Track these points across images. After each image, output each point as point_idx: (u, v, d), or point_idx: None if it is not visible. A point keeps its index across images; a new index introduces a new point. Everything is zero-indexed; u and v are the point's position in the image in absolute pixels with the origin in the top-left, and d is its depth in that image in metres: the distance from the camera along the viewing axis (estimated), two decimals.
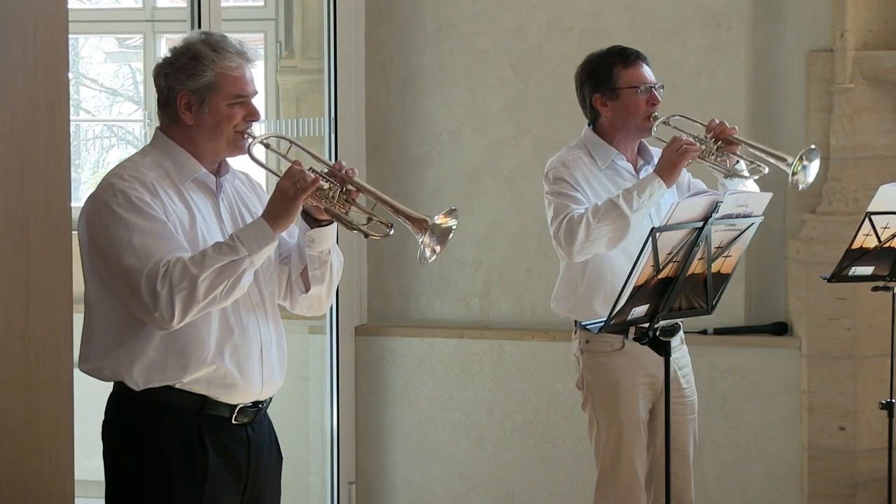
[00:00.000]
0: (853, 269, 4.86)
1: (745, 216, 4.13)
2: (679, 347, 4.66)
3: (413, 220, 3.33)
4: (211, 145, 3.45)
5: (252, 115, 3.45)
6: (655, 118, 4.61)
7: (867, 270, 4.88)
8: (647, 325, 4.10)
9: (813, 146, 4.59)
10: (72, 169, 4.14)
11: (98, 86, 7.43)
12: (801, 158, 4.51)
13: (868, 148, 5.87)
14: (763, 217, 4.21)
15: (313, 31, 6.30)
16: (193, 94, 3.41)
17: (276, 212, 3.35)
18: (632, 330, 4.20)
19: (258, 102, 3.48)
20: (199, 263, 3.26)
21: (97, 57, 7.40)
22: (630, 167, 4.69)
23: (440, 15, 6.19)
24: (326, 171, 3.39)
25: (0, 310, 3.76)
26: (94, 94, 7.49)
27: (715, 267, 4.15)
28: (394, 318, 6.32)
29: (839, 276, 4.88)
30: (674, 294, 4.07)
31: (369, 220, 3.38)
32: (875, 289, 5.01)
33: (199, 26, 5.09)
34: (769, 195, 4.28)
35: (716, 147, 4.55)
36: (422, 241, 3.32)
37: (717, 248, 4.11)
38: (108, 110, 7.57)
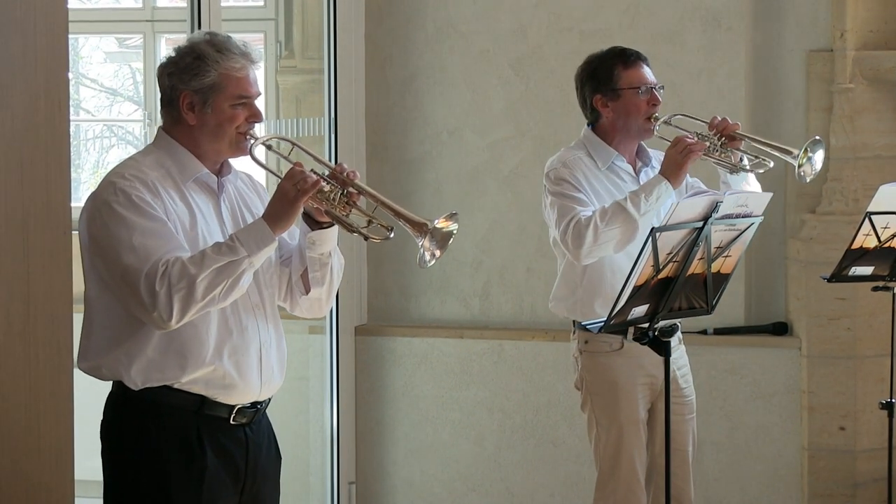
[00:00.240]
0: (853, 269, 4.86)
1: (744, 216, 4.13)
2: (677, 347, 4.66)
3: (413, 223, 3.33)
4: (213, 146, 3.45)
5: (255, 117, 3.45)
6: (656, 118, 4.61)
7: (867, 270, 4.88)
8: (646, 325, 4.10)
9: (817, 137, 4.59)
10: (72, 169, 4.14)
11: (98, 86, 7.43)
12: (806, 150, 4.51)
13: (868, 148, 5.87)
14: (763, 217, 4.21)
15: (313, 31, 6.31)
16: (196, 95, 3.41)
17: (277, 213, 3.35)
18: (631, 330, 4.20)
19: (259, 103, 3.48)
20: (198, 263, 3.27)
21: (97, 57, 7.40)
22: (630, 168, 4.69)
23: (440, 15, 6.19)
24: (327, 173, 3.39)
25: (0, 310, 3.76)
26: (94, 94, 7.49)
27: (715, 267, 4.15)
28: (394, 318, 6.32)
29: (839, 276, 4.88)
30: (674, 294, 4.07)
31: (370, 222, 3.38)
32: (875, 289, 5.01)
33: (199, 26, 5.10)
34: (769, 195, 4.28)
35: (720, 144, 4.55)
36: (422, 245, 3.32)
37: (717, 247, 4.11)
38: (108, 110, 7.57)
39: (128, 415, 3.43)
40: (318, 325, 6.15)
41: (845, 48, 5.80)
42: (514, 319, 6.20)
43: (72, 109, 4.40)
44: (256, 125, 3.47)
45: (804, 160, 4.51)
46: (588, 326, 4.42)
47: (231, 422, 3.47)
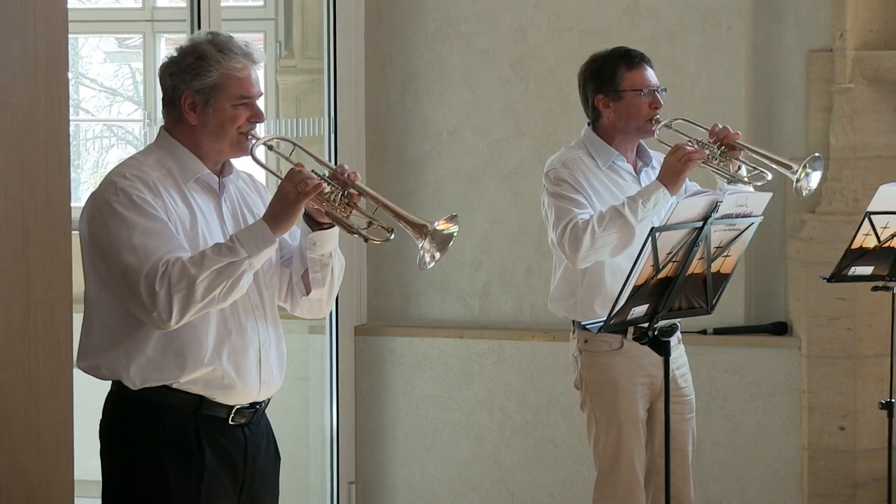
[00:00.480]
0: (853, 268, 4.86)
1: (744, 216, 4.13)
2: (676, 347, 4.66)
3: (414, 225, 3.33)
4: (214, 146, 3.45)
5: (256, 117, 3.45)
6: (658, 121, 4.61)
7: (867, 270, 4.88)
8: (646, 324, 4.10)
9: (817, 154, 4.58)
10: (71, 169, 4.14)
11: (98, 86, 7.43)
12: (805, 166, 4.50)
13: (868, 148, 5.87)
14: (763, 217, 4.21)
15: (313, 31, 6.31)
16: (198, 94, 3.41)
17: (277, 214, 3.35)
18: (630, 329, 4.20)
19: (259, 103, 3.48)
20: (197, 264, 3.26)
21: (97, 57, 7.40)
22: (630, 168, 4.69)
23: (440, 15, 6.19)
24: (328, 174, 3.38)
25: (0, 310, 3.76)
26: (94, 94, 7.49)
27: (714, 267, 4.14)
28: (393, 318, 6.32)
29: (839, 275, 4.88)
30: (673, 294, 4.07)
31: (370, 224, 3.38)
32: (875, 289, 5.01)
33: (199, 26, 5.10)
34: (769, 195, 4.28)
35: (719, 152, 4.54)
36: (422, 247, 3.32)
37: (717, 247, 4.11)
38: (107, 110, 7.57)
39: (127, 414, 3.42)
40: (318, 324, 6.15)
41: (845, 48, 5.80)
42: (513, 319, 6.20)
43: (71, 109, 4.40)
44: (258, 125, 3.47)
45: (802, 175, 4.51)
46: (588, 326, 4.42)
47: (230, 422, 3.47)
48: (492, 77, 6.17)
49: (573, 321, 4.70)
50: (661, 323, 4.12)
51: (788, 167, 4.52)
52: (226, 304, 3.36)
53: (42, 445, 3.88)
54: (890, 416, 5.07)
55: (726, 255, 4.16)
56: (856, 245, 4.81)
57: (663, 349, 4.11)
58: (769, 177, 4.57)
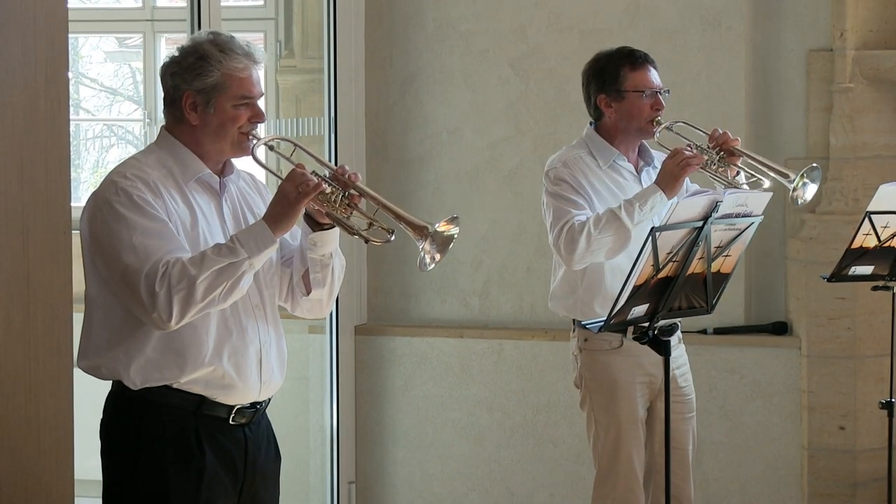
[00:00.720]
0: (853, 268, 4.86)
1: (744, 216, 4.13)
2: (677, 346, 4.66)
3: (414, 226, 3.33)
4: (215, 146, 3.45)
5: (257, 117, 3.45)
6: (659, 123, 4.61)
7: (867, 270, 4.88)
8: (646, 324, 4.10)
9: (815, 164, 4.57)
10: (71, 168, 4.14)
11: (98, 85, 7.43)
12: (802, 175, 4.50)
13: (868, 148, 5.87)
14: (763, 217, 4.21)
15: (313, 31, 6.31)
16: (199, 95, 3.41)
17: (278, 215, 3.35)
18: (630, 329, 4.20)
19: (260, 103, 3.48)
20: (198, 264, 3.26)
21: (97, 56, 7.40)
22: (631, 167, 4.69)
23: (440, 15, 6.19)
24: (329, 174, 3.38)
25: (0, 310, 3.76)
26: (94, 94, 7.49)
27: (715, 266, 4.14)
28: (393, 318, 6.32)
29: (839, 275, 4.88)
30: (673, 294, 4.07)
31: (370, 225, 3.38)
32: (875, 288, 5.01)
33: (199, 26, 5.10)
34: (769, 195, 4.28)
35: (718, 157, 4.54)
36: (422, 248, 3.33)
37: (717, 247, 4.11)
38: (107, 110, 7.57)
39: (127, 414, 3.42)
40: (318, 324, 6.15)
41: (845, 48, 5.80)
42: (513, 319, 6.20)
43: (72, 109, 4.39)
44: (259, 125, 3.47)
45: (799, 185, 4.51)
46: (588, 326, 4.42)
47: (230, 422, 3.47)
48: (492, 77, 6.17)
49: (573, 320, 4.70)
50: (662, 322, 4.12)
51: (786, 176, 4.52)
52: (226, 305, 3.35)
53: (42, 445, 3.88)
54: (890, 415, 5.08)
55: (726, 255, 4.16)
56: (856, 245, 4.81)
57: (663, 349, 4.11)
58: (767, 184, 4.57)
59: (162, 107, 3.51)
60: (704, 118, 5.63)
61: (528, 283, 6.15)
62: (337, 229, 3.47)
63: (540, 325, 6.11)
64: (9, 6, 3.78)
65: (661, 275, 4.01)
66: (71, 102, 4.29)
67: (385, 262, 6.28)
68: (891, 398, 5.08)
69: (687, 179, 4.72)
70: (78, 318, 3.51)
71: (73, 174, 5.00)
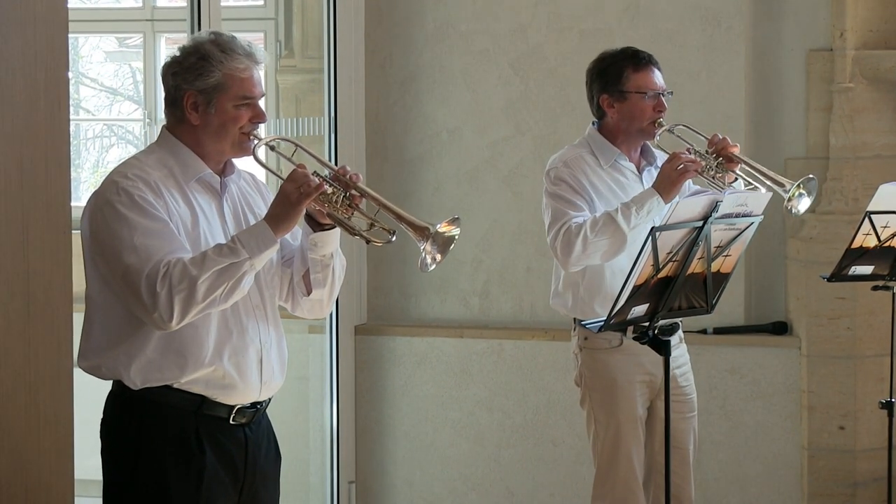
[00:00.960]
0: (853, 268, 4.86)
1: (744, 215, 4.13)
2: (678, 346, 4.66)
3: (415, 227, 3.34)
4: (216, 146, 3.45)
5: (258, 117, 3.45)
6: (661, 125, 4.61)
7: (867, 270, 4.88)
8: (646, 324, 4.10)
9: (811, 176, 4.57)
10: (71, 168, 4.14)
11: (98, 85, 7.43)
12: (798, 186, 4.50)
13: (868, 147, 5.87)
14: (763, 216, 4.21)
15: (313, 31, 6.31)
16: (200, 95, 3.41)
17: (279, 215, 3.35)
18: (631, 328, 4.20)
19: (260, 103, 3.48)
20: (199, 265, 3.26)
21: (97, 56, 7.41)
22: (633, 167, 4.69)
23: (440, 14, 6.19)
24: (330, 175, 3.39)
25: (0, 309, 3.76)
26: (94, 94, 7.49)
27: (715, 266, 4.14)
28: (393, 318, 6.32)
29: (839, 275, 4.88)
30: (673, 293, 4.07)
31: (371, 225, 3.38)
32: (875, 288, 5.00)
33: (199, 26, 5.10)
34: (769, 195, 4.28)
35: (716, 163, 4.54)
36: (423, 249, 3.33)
37: (717, 247, 4.11)
38: (107, 110, 7.57)
39: (127, 414, 3.42)
40: (318, 324, 6.15)
41: (845, 47, 5.80)
42: (513, 319, 6.20)
43: (72, 109, 4.40)
44: (260, 126, 3.47)
45: (795, 195, 4.51)
46: (588, 326, 4.42)
47: (230, 422, 3.47)
48: (492, 77, 6.17)
49: (574, 318, 4.70)
50: (662, 322, 4.12)
51: (781, 185, 4.52)
52: (227, 305, 3.35)
53: (42, 445, 3.88)
54: (890, 415, 5.07)
55: (726, 255, 4.16)
56: (856, 244, 4.81)
57: (663, 348, 4.11)
58: (763, 192, 4.56)
59: (163, 107, 3.51)
60: (704, 118, 5.64)
61: (528, 283, 6.15)
62: (337, 230, 3.47)
63: (540, 325, 6.11)
64: (9, 6, 3.78)
65: (661, 275, 4.01)
66: (71, 102, 4.30)
67: (385, 262, 6.28)
68: (891, 398, 5.08)
69: (690, 182, 4.72)
70: (78, 318, 3.51)
71: (73, 174, 5.00)
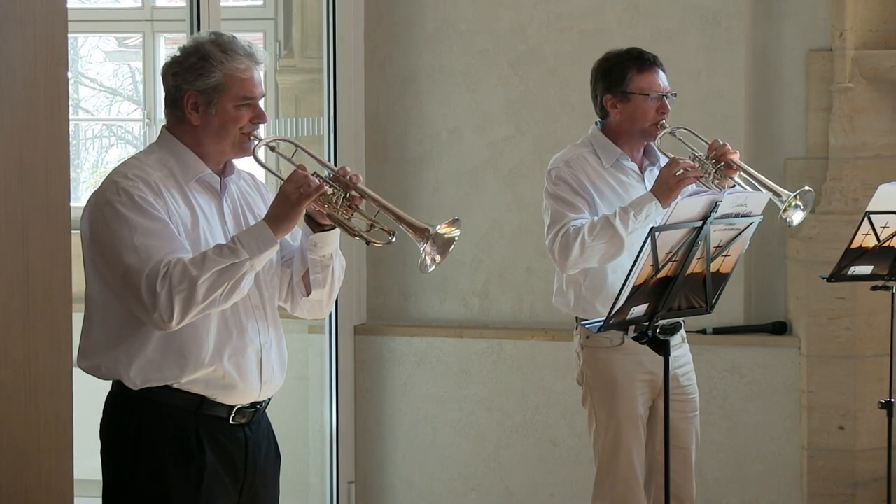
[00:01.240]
0: (852, 268, 4.86)
1: (744, 216, 4.13)
2: (680, 346, 4.67)
3: (415, 228, 3.34)
4: (217, 146, 3.45)
5: (259, 118, 3.45)
6: (663, 126, 4.61)
7: (866, 270, 4.88)
8: (646, 324, 4.10)
9: (808, 188, 4.56)
10: (71, 168, 4.14)
11: (97, 85, 7.43)
12: (795, 197, 4.50)
13: (868, 147, 5.87)
14: (762, 216, 4.21)
15: (312, 31, 6.30)
16: (201, 95, 3.41)
17: (279, 216, 3.35)
18: (632, 328, 4.20)
19: (260, 103, 3.48)
20: (199, 265, 3.26)
21: (96, 56, 7.40)
22: (635, 167, 4.69)
23: (439, 14, 6.19)
24: (330, 175, 3.39)
25: (0, 310, 3.76)
26: (94, 94, 7.49)
27: (714, 266, 4.14)
28: (393, 318, 6.32)
29: (838, 275, 4.88)
30: (673, 293, 4.07)
31: (371, 226, 3.38)
32: (874, 288, 5.00)
33: (199, 26, 5.10)
34: (768, 195, 4.29)
35: (714, 170, 4.54)
36: (423, 250, 3.33)
37: (717, 247, 4.11)
38: (107, 110, 7.57)
39: (127, 414, 3.42)
40: (318, 324, 6.15)
41: (845, 47, 5.80)
42: (513, 319, 6.20)
43: (71, 109, 4.40)
44: (260, 126, 3.47)
45: (791, 205, 4.51)
46: (588, 326, 4.43)
47: (230, 422, 3.47)
48: (491, 77, 6.17)
49: (576, 317, 4.70)
50: (664, 321, 4.13)
51: (778, 195, 4.52)
52: (227, 306, 3.35)
53: (42, 445, 3.88)
54: (889, 415, 5.07)
55: (726, 255, 4.16)
56: (855, 244, 4.81)
57: (662, 348, 4.11)
58: (763, 192, 4.57)
59: (162, 107, 3.51)
60: (704, 118, 5.64)
61: (527, 282, 6.16)
62: (337, 230, 3.47)
63: (539, 324, 6.11)
64: (8, 6, 3.78)
65: (661, 275, 4.01)
66: (70, 102, 4.30)
67: (384, 262, 6.28)
68: (890, 398, 5.08)
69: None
70: (78, 318, 3.51)
71: (72, 174, 5.00)
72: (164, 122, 3.53)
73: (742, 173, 4.55)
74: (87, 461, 3.91)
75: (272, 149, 3.52)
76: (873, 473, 5.81)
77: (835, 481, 5.86)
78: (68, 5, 3.99)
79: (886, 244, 4.82)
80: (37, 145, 3.86)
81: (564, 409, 6.01)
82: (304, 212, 3.38)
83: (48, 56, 3.88)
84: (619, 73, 4.62)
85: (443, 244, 3.34)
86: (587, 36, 5.99)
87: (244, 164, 3.57)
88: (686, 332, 4.78)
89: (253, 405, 3.51)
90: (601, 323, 4.08)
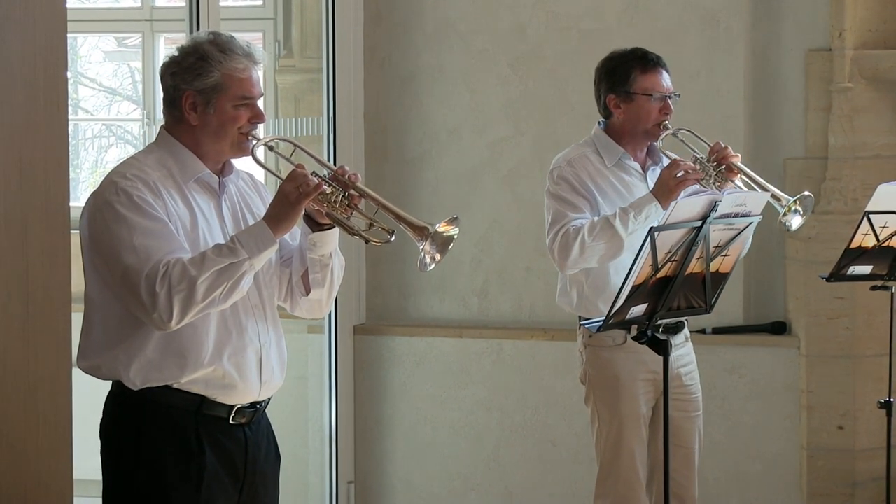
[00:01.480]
0: (852, 268, 4.86)
1: (743, 215, 4.13)
2: (683, 345, 4.68)
3: (414, 227, 3.34)
4: (215, 146, 3.45)
5: (257, 117, 3.45)
6: (665, 127, 4.61)
7: (866, 269, 4.88)
8: (646, 323, 4.10)
9: (808, 193, 4.56)
10: (70, 168, 4.14)
11: (97, 85, 7.43)
12: (795, 202, 4.51)
13: (867, 147, 5.87)
14: (761, 216, 4.21)
15: (312, 31, 6.31)
16: (199, 95, 3.41)
17: (278, 215, 3.35)
18: (634, 327, 4.21)
19: (259, 103, 3.48)
20: (198, 265, 3.26)
21: (96, 56, 7.40)
22: (638, 166, 4.69)
23: (439, 14, 6.19)
24: (329, 175, 3.39)
25: (0, 310, 3.76)
26: (93, 94, 7.49)
27: (713, 266, 4.14)
28: (392, 318, 6.32)
29: (838, 275, 4.88)
30: (672, 293, 4.07)
31: (370, 225, 3.38)
32: (874, 288, 5.01)
33: (198, 26, 5.10)
34: (768, 195, 4.29)
35: (715, 172, 4.54)
36: (422, 249, 3.33)
37: (716, 247, 4.11)
38: (106, 109, 7.57)
39: (127, 414, 3.43)
40: (317, 324, 6.15)
41: (844, 47, 5.80)
42: (513, 319, 6.20)
43: (71, 109, 4.40)
44: (259, 126, 3.47)
45: (790, 210, 4.51)
46: (588, 325, 4.43)
47: (230, 421, 3.47)
48: (491, 77, 6.17)
49: (579, 316, 4.71)
50: (665, 321, 4.13)
51: (778, 199, 4.52)
52: (226, 305, 3.35)
53: (41, 445, 3.88)
54: (889, 415, 5.08)
55: (725, 255, 4.16)
56: (854, 244, 4.81)
57: (662, 348, 4.11)
58: (762, 192, 4.56)
59: (161, 107, 3.51)
60: (703, 118, 5.64)
61: (527, 282, 6.16)
62: (336, 230, 3.47)
63: (539, 324, 6.11)
64: (8, 6, 3.78)
65: (660, 274, 4.01)
66: (70, 102, 4.30)
67: (384, 262, 6.28)
68: (889, 398, 5.08)
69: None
70: (78, 318, 3.51)
71: (71, 174, 5.00)
72: (162, 123, 3.53)
73: (743, 176, 4.55)
74: (87, 461, 3.91)
75: (271, 148, 3.52)
76: (872, 473, 5.82)
77: (834, 481, 5.86)
78: (68, 5, 3.99)
79: (886, 244, 4.82)
80: (36, 145, 3.86)
81: (564, 409, 6.01)
82: (304, 211, 3.39)
83: (48, 56, 3.89)
84: (623, 73, 4.62)
85: (442, 243, 3.34)
86: (587, 36, 5.99)
87: (243, 163, 3.57)
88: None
89: (253, 405, 3.51)
90: (601, 323, 4.08)
